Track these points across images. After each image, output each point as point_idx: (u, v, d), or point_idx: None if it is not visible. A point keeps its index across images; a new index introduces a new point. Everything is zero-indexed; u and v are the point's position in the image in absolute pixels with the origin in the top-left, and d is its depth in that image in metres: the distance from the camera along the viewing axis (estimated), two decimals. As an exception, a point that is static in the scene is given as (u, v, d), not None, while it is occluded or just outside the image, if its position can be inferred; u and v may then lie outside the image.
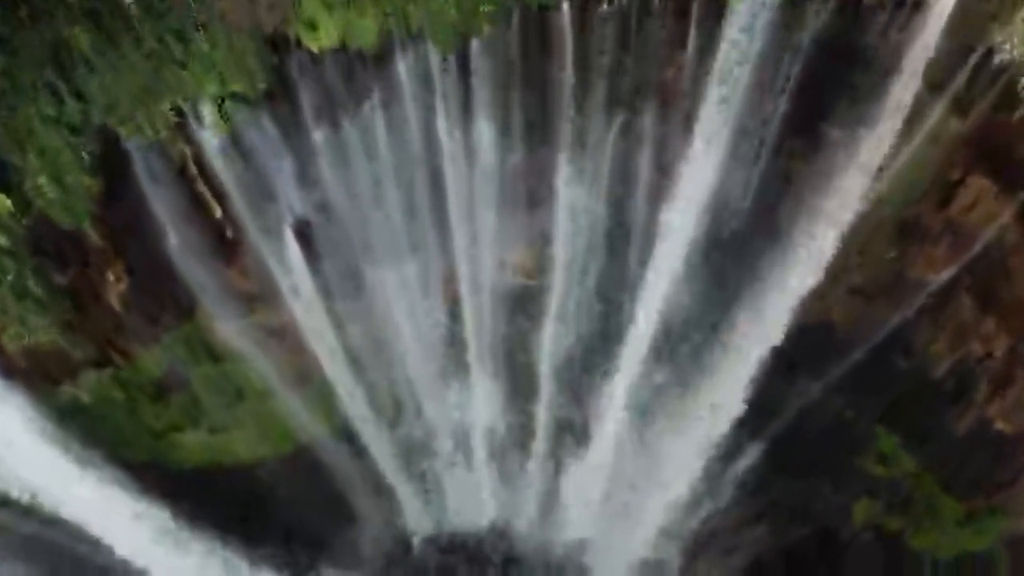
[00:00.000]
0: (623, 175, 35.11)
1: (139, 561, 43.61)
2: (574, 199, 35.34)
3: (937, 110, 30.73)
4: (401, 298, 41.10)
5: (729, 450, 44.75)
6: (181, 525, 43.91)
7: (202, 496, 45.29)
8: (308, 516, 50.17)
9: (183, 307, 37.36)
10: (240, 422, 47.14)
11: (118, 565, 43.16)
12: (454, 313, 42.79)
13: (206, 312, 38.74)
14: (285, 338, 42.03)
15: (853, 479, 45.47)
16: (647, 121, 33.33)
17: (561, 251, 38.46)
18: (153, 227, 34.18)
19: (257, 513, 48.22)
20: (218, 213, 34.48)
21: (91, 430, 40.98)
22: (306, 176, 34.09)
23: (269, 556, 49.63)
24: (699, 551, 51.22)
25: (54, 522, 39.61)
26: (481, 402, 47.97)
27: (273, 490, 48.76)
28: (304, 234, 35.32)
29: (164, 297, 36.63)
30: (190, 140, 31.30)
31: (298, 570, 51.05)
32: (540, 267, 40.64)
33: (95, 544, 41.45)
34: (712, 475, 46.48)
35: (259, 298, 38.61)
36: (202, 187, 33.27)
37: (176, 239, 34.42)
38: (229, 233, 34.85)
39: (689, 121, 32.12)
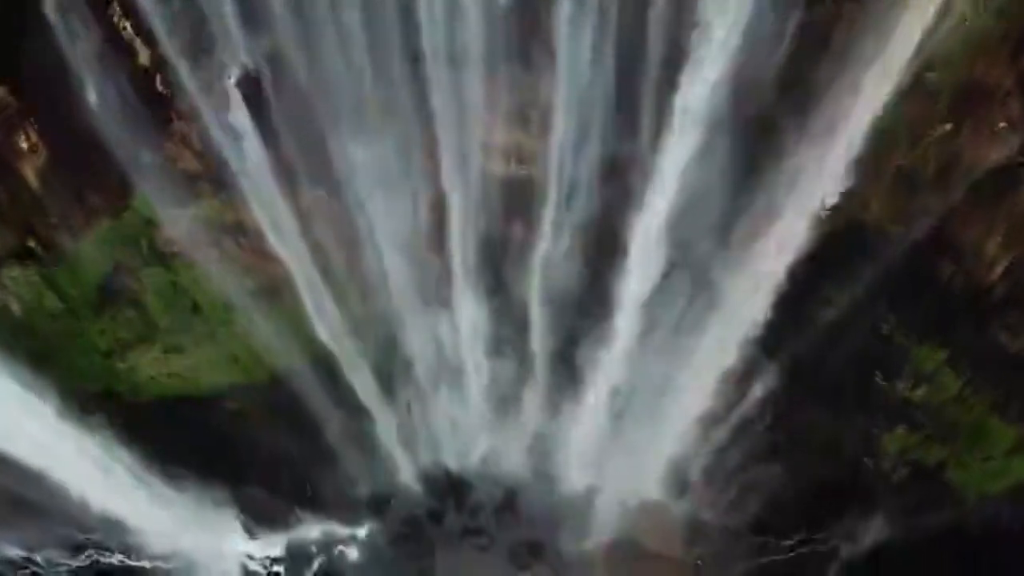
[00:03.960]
0: (634, 16, 29.31)
1: (99, 503, 40.44)
2: (574, 49, 29.64)
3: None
4: (376, 187, 35.55)
5: (744, 374, 40.65)
6: (144, 463, 40.93)
7: (168, 431, 42.26)
8: (286, 455, 46.49)
9: (114, 187, 31.92)
10: (199, 342, 42.82)
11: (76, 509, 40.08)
12: (437, 208, 37.28)
13: (144, 197, 33.01)
14: (242, 237, 36.62)
15: (886, 405, 41.00)
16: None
17: (559, 125, 33.13)
18: (69, 78, 28.84)
19: (230, 452, 44.78)
20: (145, 59, 28.68)
21: (33, 350, 37.11)
22: (251, 11, 28.33)
23: (244, 499, 46.97)
24: (709, 492, 47.35)
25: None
26: (468, 321, 43.60)
27: (246, 425, 45.00)
28: (254, 93, 29.63)
29: (90, 172, 31.06)
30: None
31: (276, 514, 48.34)
32: (533, 151, 35.05)
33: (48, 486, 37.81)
34: (725, 405, 42.54)
35: (206, 180, 33.10)
36: (124, 23, 27.52)
37: (97, 95, 28.74)
38: (160, 87, 29.10)
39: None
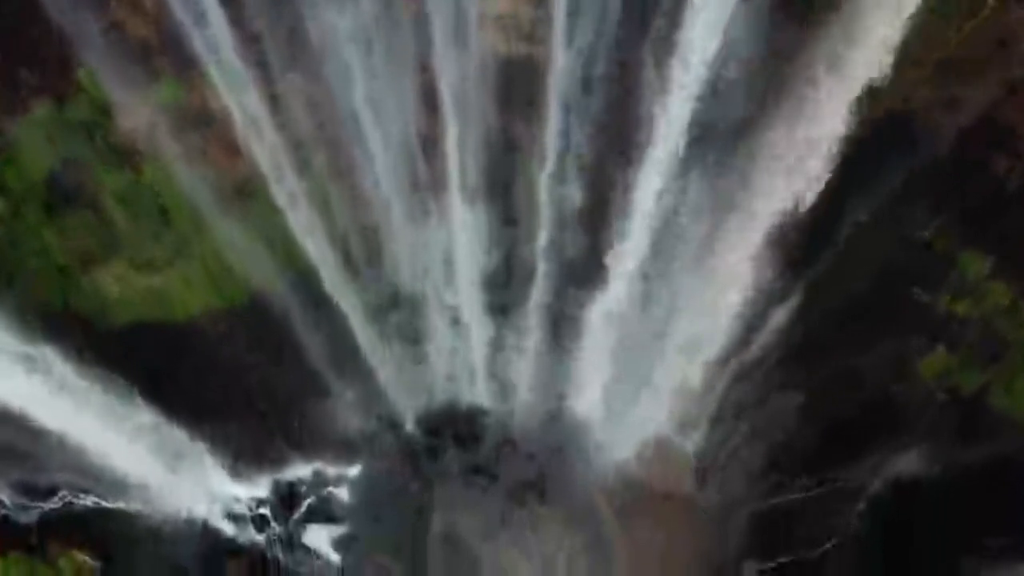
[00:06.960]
0: None
1: (70, 441, 37.66)
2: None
3: None
4: (359, 68, 31.61)
5: (764, 289, 37.15)
6: (118, 396, 37.99)
7: (142, 361, 39.33)
8: (271, 389, 43.71)
9: (54, 62, 28.21)
10: (169, 255, 39.44)
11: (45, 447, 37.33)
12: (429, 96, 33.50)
13: (91, 77, 29.23)
14: (209, 129, 32.89)
15: (924, 323, 37.93)
16: None
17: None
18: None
19: (211, 384, 41.94)
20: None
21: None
22: None
23: (227, 436, 43.98)
24: (721, 427, 44.48)
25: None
26: (466, 232, 40.02)
27: (227, 355, 41.80)
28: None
29: (25, 42, 27.24)
30: None
31: (261, 452, 45.45)
32: (536, 24, 31.40)
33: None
34: (742, 326, 39.11)
35: (163, 55, 29.15)
36: None
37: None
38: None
39: None
